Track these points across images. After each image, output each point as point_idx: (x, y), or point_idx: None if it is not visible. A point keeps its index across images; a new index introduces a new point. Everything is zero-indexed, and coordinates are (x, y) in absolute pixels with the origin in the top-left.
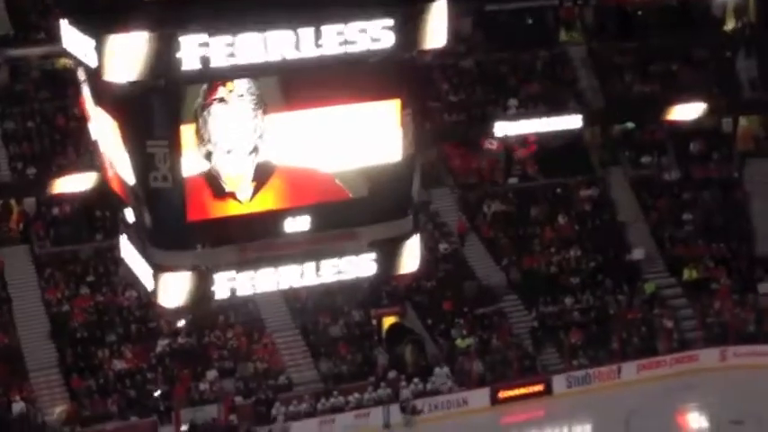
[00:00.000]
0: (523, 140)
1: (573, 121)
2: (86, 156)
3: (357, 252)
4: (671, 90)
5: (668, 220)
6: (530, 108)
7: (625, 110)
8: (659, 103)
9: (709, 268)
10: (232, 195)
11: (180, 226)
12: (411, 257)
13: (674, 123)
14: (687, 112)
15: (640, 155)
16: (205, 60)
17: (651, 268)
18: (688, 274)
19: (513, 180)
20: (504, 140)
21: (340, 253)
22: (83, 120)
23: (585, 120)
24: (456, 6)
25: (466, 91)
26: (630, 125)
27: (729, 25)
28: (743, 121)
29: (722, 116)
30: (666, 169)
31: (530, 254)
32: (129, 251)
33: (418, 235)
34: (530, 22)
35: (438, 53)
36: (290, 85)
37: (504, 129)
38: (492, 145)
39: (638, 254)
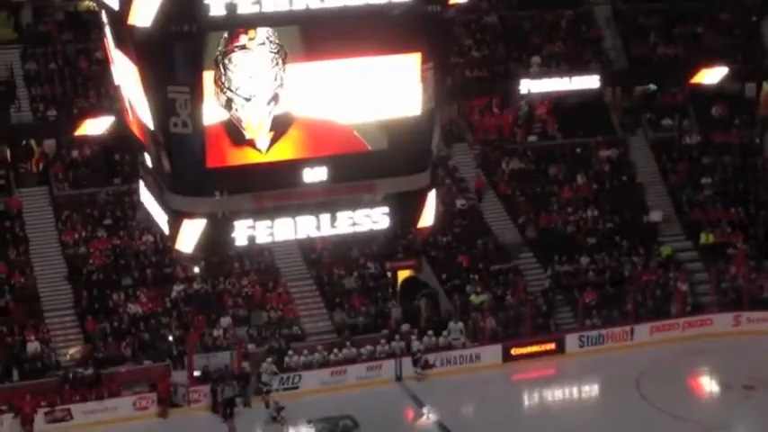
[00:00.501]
0: (543, 99)
1: (595, 81)
2: (106, 99)
3: (373, 205)
4: (695, 53)
5: (687, 184)
6: (552, 67)
7: (648, 72)
8: (682, 66)
9: (726, 233)
10: (251, 144)
11: (199, 172)
12: (427, 212)
13: (696, 87)
14: (710, 76)
15: (661, 117)
16: (231, 7)
17: (668, 231)
18: (705, 238)
19: (532, 138)
20: (526, 98)
21: (356, 205)
22: (105, 63)
23: (607, 80)
24: None
25: (489, 47)
26: (653, 87)
27: None
28: (766, 86)
29: (745, 81)
30: (687, 133)
31: (547, 212)
32: (147, 196)
33: (435, 190)
34: None
35: (462, 8)
36: (311, 35)
37: (525, 86)
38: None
39: (655, 216)
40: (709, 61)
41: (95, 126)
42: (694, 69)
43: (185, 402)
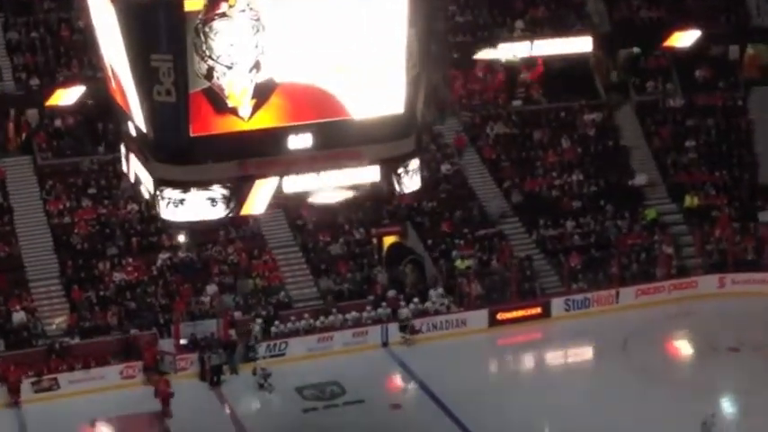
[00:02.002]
0: (530, 62)
1: (578, 45)
2: (89, 68)
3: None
4: (677, 16)
5: (671, 147)
6: (536, 31)
7: (631, 35)
8: (664, 29)
9: (711, 196)
10: (233, 112)
11: (182, 140)
12: (413, 177)
13: (673, 50)
14: (683, 39)
15: (645, 81)
16: None
17: (653, 194)
18: (689, 200)
19: (516, 102)
20: (510, 63)
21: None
22: (87, 32)
23: (591, 44)
24: None
25: (472, 12)
26: (636, 51)
27: None
28: (749, 49)
29: (729, 43)
30: (671, 96)
31: (532, 177)
32: (131, 164)
33: (420, 155)
34: None
35: None
36: None
37: (509, 51)
38: (499, 68)
39: (640, 179)
40: (692, 24)
41: (67, 96)
42: (668, 32)
43: (172, 370)
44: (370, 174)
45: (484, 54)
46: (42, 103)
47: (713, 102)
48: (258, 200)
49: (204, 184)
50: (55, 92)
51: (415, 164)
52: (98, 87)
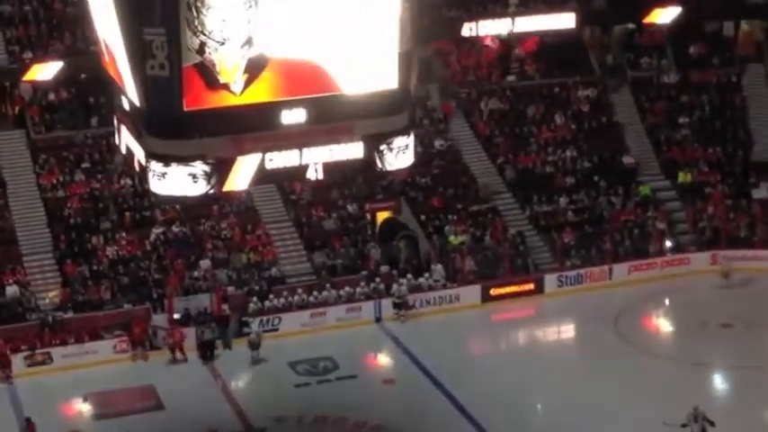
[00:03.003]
0: (523, 38)
1: (572, 20)
2: (81, 41)
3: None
4: None
5: (665, 124)
6: (529, 6)
7: (626, 11)
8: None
9: (704, 172)
10: (226, 87)
11: (176, 115)
12: (398, 155)
13: (653, 26)
14: (663, 15)
15: (640, 57)
16: None
17: (646, 171)
18: (682, 177)
19: (510, 78)
20: (503, 38)
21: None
22: (80, 5)
23: (586, 19)
24: None
25: None
26: (631, 26)
27: None
28: (744, 25)
29: (723, 19)
30: (665, 72)
31: (525, 153)
32: (124, 138)
33: (414, 131)
34: None
35: None
36: None
37: (503, 26)
38: (493, 43)
39: (627, 160)
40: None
41: (43, 72)
42: (648, 9)
43: (165, 345)
44: (353, 151)
45: (471, 29)
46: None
47: (707, 78)
48: (240, 176)
49: (187, 160)
50: (31, 67)
51: (400, 141)
52: (77, 63)
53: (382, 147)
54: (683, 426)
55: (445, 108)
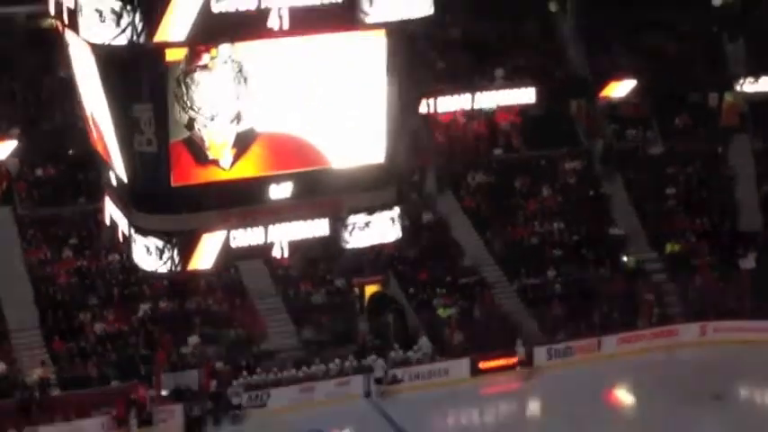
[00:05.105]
0: (508, 110)
1: (558, 93)
2: (70, 117)
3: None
4: (655, 63)
5: (651, 194)
6: (516, 79)
7: (582, 85)
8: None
9: (691, 243)
10: (215, 162)
11: (163, 190)
12: (393, 226)
13: (609, 100)
14: (618, 89)
15: (625, 128)
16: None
17: (633, 242)
18: (670, 248)
19: (497, 151)
20: (490, 111)
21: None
22: (68, 81)
23: (571, 91)
24: None
25: (452, 60)
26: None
27: (717, 1)
28: (728, 96)
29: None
30: (651, 143)
31: (513, 225)
32: (109, 210)
33: (401, 204)
34: None
35: (425, 22)
36: None
37: (489, 99)
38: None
39: (615, 231)
40: (630, 74)
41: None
42: (603, 83)
43: (155, 422)
44: (319, 228)
45: (429, 106)
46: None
47: (693, 148)
48: (205, 254)
49: (149, 233)
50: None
51: (364, 218)
52: (29, 141)
53: (348, 224)
54: None
55: (422, 160)
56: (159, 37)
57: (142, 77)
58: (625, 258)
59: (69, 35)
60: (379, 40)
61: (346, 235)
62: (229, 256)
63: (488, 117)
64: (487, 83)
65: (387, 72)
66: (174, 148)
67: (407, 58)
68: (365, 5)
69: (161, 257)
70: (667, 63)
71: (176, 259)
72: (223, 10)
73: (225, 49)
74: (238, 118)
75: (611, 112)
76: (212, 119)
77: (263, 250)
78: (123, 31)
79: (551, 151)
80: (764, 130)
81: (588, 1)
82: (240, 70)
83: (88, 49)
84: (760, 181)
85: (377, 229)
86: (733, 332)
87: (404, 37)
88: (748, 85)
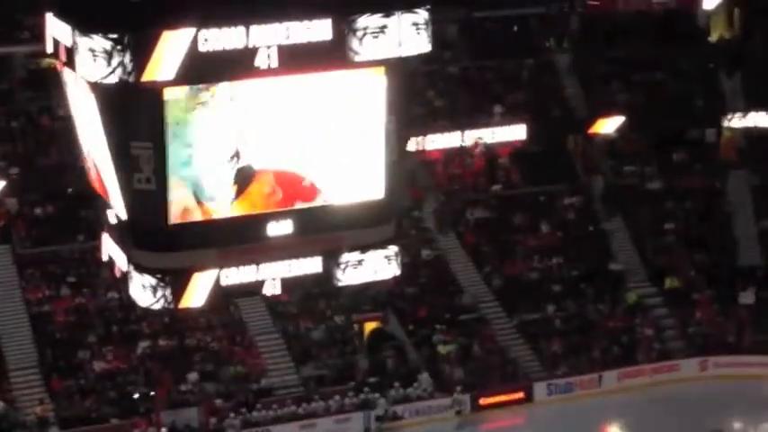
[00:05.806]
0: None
1: (557, 129)
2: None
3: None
4: (650, 99)
5: (650, 230)
6: (514, 115)
7: (572, 122)
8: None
9: (691, 278)
10: (213, 200)
11: (162, 228)
12: (392, 263)
13: (598, 136)
14: (607, 125)
15: (623, 164)
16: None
17: (633, 277)
18: (669, 283)
19: (496, 187)
20: (489, 147)
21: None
22: (67, 120)
23: (566, 128)
24: (442, 13)
25: (451, 97)
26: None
27: (714, 37)
28: (726, 132)
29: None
30: (649, 179)
31: (512, 261)
32: (110, 251)
33: (400, 241)
34: (515, 29)
35: (423, 59)
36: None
37: (488, 135)
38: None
39: (615, 266)
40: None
41: None
42: (593, 120)
43: None
44: (312, 265)
45: (417, 144)
46: (22, 193)
47: (691, 184)
48: (197, 292)
49: (147, 271)
50: None
51: (356, 256)
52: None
53: (341, 262)
54: None
55: (414, 192)
56: (148, 76)
57: (141, 115)
58: (628, 294)
59: (67, 73)
60: (377, 77)
61: (339, 273)
62: (221, 295)
63: (489, 152)
64: (486, 119)
65: (386, 109)
66: (173, 185)
67: (406, 95)
68: (354, 44)
69: (154, 295)
70: (665, 99)
71: (168, 297)
72: (211, 49)
73: (224, 87)
74: (237, 155)
75: (609, 149)
76: (211, 156)
77: (256, 287)
78: (114, 70)
79: (550, 187)
80: (762, 166)
81: (585, 38)
82: (239, 108)
83: (87, 87)
84: (758, 216)
85: (370, 266)
86: (733, 367)
87: (402, 74)
88: (745, 120)
